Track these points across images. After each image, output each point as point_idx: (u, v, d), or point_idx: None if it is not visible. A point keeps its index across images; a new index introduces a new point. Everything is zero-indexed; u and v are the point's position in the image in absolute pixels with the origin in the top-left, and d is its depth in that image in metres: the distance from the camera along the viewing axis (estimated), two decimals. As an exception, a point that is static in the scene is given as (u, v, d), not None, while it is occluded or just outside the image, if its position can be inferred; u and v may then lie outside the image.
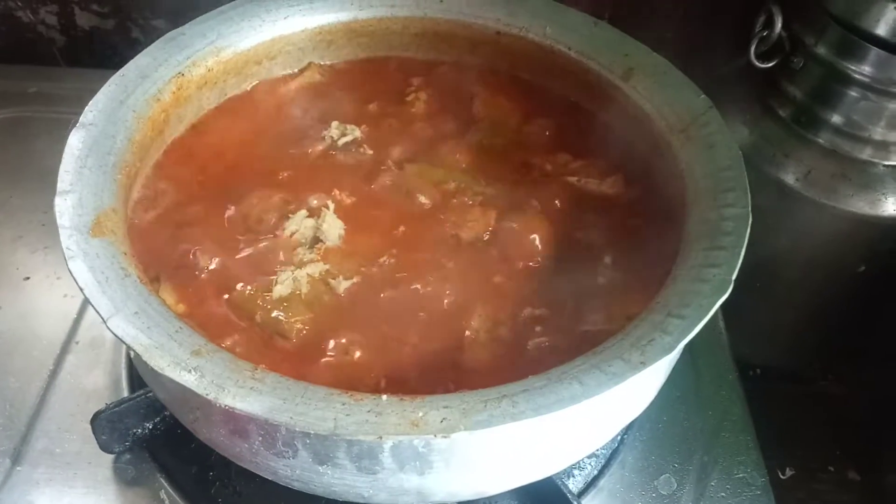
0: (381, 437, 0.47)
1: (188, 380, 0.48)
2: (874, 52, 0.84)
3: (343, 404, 0.48)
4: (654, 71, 0.74)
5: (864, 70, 0.85)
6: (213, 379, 0.48)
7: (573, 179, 0.75)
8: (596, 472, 0.72)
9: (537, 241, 0.69)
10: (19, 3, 1.14)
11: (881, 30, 0.83)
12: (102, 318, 0.51)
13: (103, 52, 1.19)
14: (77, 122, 0.64)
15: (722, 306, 0.87)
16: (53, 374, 0.78)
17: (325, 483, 0.55)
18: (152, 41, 0.73)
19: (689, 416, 0.77)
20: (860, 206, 0.90)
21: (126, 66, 0.70)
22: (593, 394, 0.49)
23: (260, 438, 0.54)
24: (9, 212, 0.93)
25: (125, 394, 0.75)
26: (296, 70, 0.82)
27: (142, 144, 0.67)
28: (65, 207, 0.57)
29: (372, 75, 0.84)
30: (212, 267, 0.65)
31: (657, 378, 0.62)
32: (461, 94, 0.82)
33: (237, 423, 0.54)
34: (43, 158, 1.00)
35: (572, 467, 0.72)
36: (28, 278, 0.87)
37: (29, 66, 1.16)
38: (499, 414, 0.48)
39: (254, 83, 0.80)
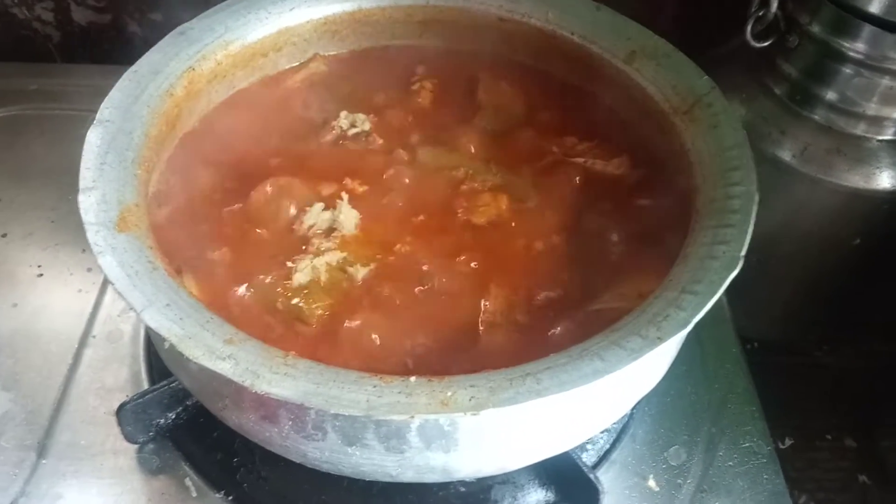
0: (412, 416, 0.48)
1: (224, 368, 0.50)
2: (867, 29, 0.85)
3: (374, 386, 0.50)
4: (657, 53, 0.75)
5: (857, 47, 0.87)
6: (247, 366, 0.50)
7: (580, 161, 0.76)
8: (608, 446, 0.75)
9: (548, 224, 0.71)
10: (14, 1, 1.13)
11: (874, 7, 0.84)
12: (136, 310, 0.52)
13: (100, 47, 1.18)
14: (94, 119, 0.65)
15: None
16: (73, 368, 0.79)
17: (353, 464, 0.57)
18: (149, 35, 0.74)
19: (696, 389, 0.80)
20: (855, 180, 0.92)
21: (138, 62, 0.71)
22: (614, 369, 0.51)
23: (290, 423, 0.55)
24: (17, 210, 0.94)
25: (145, 385, 0.77)
26: (302, 62, 0.83)
27: (157, 139, 0.68)
28: (89, 204, 0.58)
29: (377, 65, 0.85)
30: (230, 258, 0.66)
31: (670, 352, 0.64)
32: (466, 81, 0.83)
33: (267, 408, 0.55)
34: (46, 156, 1.00)
35: (586, 442, 0.74)
36: (41, 275, 0.87)
37: (25, 63, 1.16)
38: (524, 391, 0.50)
39: (261, 76, 0.81)
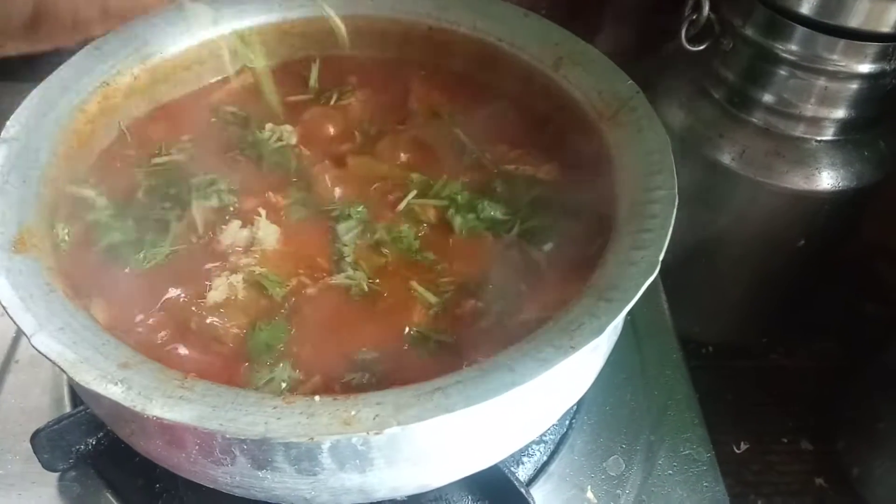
0: (312, 439, 0.47)
1: (114, 392, 0.48)
2: (799, 31, 0.85)
3: (274, 408, 0.48)
4: (583, 59, 0.74)
5: (790, 48, 0.87)
6: (140, 390, 0.48)
7: (511, 168, 0.75)
8: (546, 458, 0.73)
9: (476, 234, 0.70)
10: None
11: (804, 8, 0.84)
12: (26, 334, 0.50)
13: (10, 64, 1.15)
14: (-1, 137, 0.63)
15: (668, 288, 0.89)
16: (-6, 394, 0.76)
17: (265, 488, 0.55)
18: (71, 51, 0.72)
19: (636, 397, 0.79)
20: (795, 181, 0.92)
21: (48, 79, 0.69)
22: (524, 381, 0.49)
23: (197, 447, 0.53)
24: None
25: (68, 411, 0.74)
26: (229, 74, 0.81)
27: (67, 157, 0.66)
28: (-14, 225, 0.56)
29: (307, 76, 0.83)
30: (144, 277, 0.64)
31: (594, 361, 0.63)
32: (397, 91, 0.82)
33: (172, 433, 0.53)
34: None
35: (521, 454, 0.72)
36: (-36, 299, 0.84)
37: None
38: (431, 407, 0.48)
39: (185, 90, 0.79)
